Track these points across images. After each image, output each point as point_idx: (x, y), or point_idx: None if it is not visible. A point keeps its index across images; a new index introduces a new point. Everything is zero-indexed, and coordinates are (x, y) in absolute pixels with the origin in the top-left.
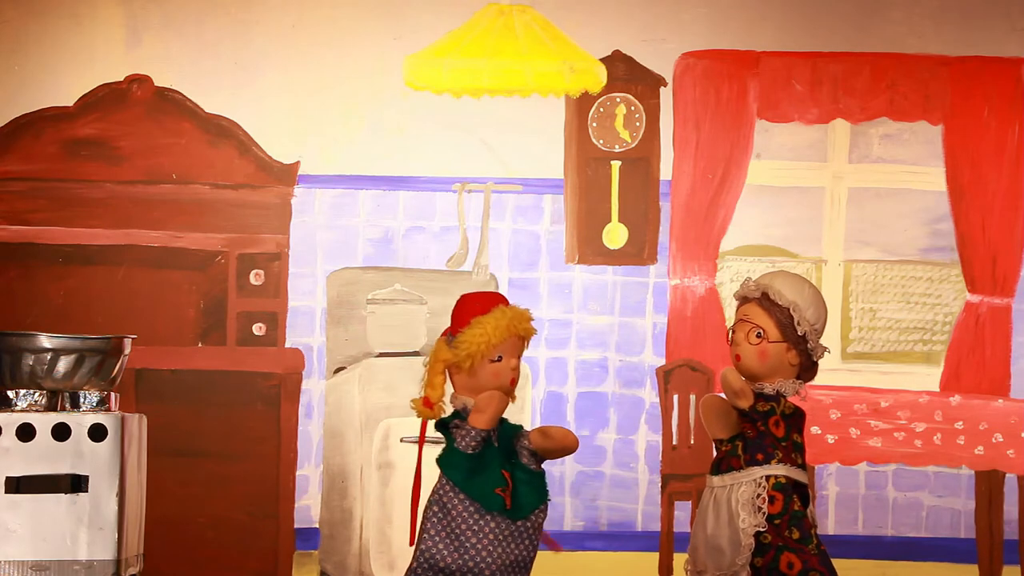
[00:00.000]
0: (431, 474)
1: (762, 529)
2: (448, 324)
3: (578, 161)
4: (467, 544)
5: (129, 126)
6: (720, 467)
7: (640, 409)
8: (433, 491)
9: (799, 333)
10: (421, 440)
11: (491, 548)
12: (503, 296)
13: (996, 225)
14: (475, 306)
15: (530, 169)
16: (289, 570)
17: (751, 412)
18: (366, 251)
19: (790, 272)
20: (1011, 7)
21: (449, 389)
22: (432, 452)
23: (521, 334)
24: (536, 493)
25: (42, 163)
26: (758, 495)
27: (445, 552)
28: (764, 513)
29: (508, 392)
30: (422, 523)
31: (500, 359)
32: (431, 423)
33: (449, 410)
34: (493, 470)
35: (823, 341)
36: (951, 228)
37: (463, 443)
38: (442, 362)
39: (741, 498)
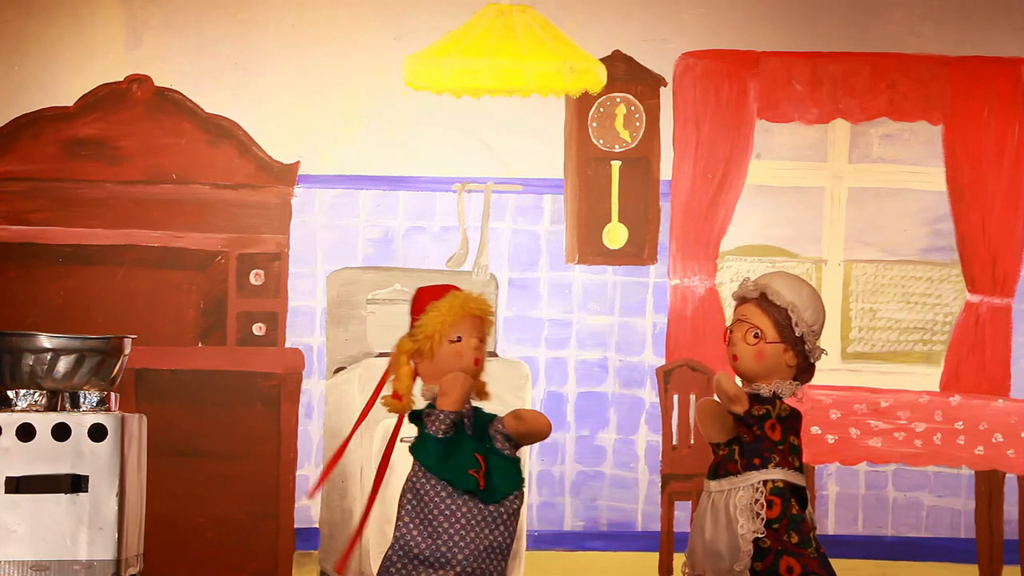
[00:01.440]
0: (402, 468)
1: (760, 535)
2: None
3: (578, 161)
4: (439, 529)
5: (129, 126)
6: (718, 472)
7: (640, 409)
8: (407, 479)
9: (797, 334)
10: (394, 436)
11: (463, 532)
12: (456, 286)
13: (996, 225)
14: (430, 295)
15: (530, 169)
16: (289, 570)
17: (746, 417)
18: (366, 251)
19: (789, 273)
20: (1011, 7)
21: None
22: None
23: (476, 314)
24: (510, 479)
25: (42, 163)
26: (756, 500)
27: (419, 538)
28: (763, 519)
29: (474, 374)
30: (397, 511)
31: (459, 339)
32: (406, 417)
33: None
34: (465, 453)
35: (821, 343)
36: (951, 228)
37: (434, 428)
38: (405, 353)
39: (739, 503)
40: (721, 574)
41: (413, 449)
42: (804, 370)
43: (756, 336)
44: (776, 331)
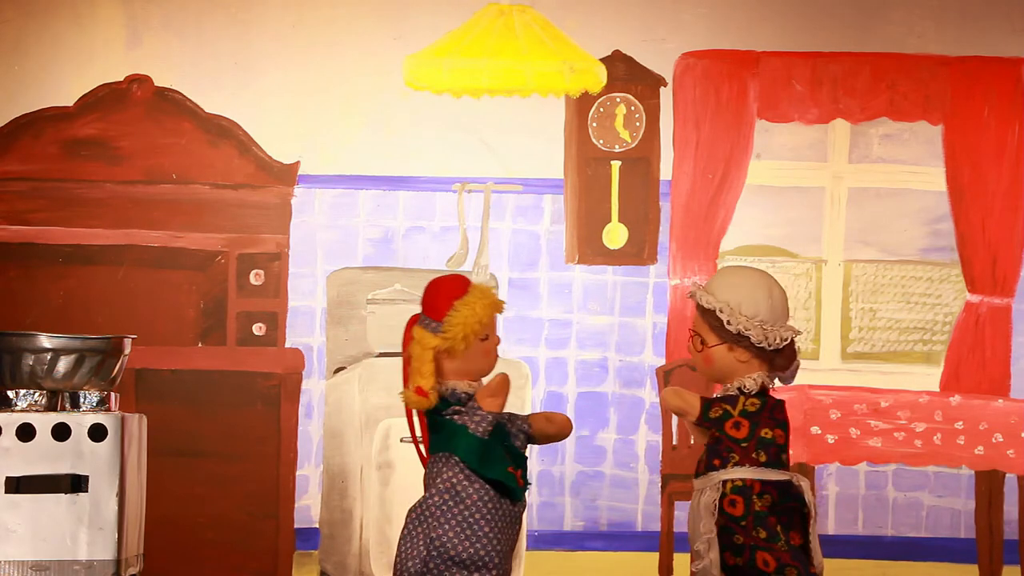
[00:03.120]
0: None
1: (709, 535)
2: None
3: (578, 161)
4: (479, 532)
5: (129, 126)
6: (697, 472)
7: (640, 409)
8: (441, 480)
9: (733, 332)
10: (421, 428)
11: (500, 535)
12: (466, 276)
13: (996, 225)
14: (451, 290)
15: (530, 169)
16: (289, 570)
17: (703, 423)
18: (366, 251)
19: (731, 267)
20: (1011, 7)
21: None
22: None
23: (500, 311)
24: (525, 476)
25: (42, 163)
26: (713, 500)
27: (456, 540)
28: (714, 518)
29: (491, 370)
30: (426, 512)
31: (487, 338)
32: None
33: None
34: (500, 452)
35: (793, 325)
36: (951, 228)
37: (480, 428)
38: (431, 350)
39: (703, 503)
40: (697, 571)
41: (456, 449)
42: (772, 357)
43: (702, 343)
44: (714, 334)
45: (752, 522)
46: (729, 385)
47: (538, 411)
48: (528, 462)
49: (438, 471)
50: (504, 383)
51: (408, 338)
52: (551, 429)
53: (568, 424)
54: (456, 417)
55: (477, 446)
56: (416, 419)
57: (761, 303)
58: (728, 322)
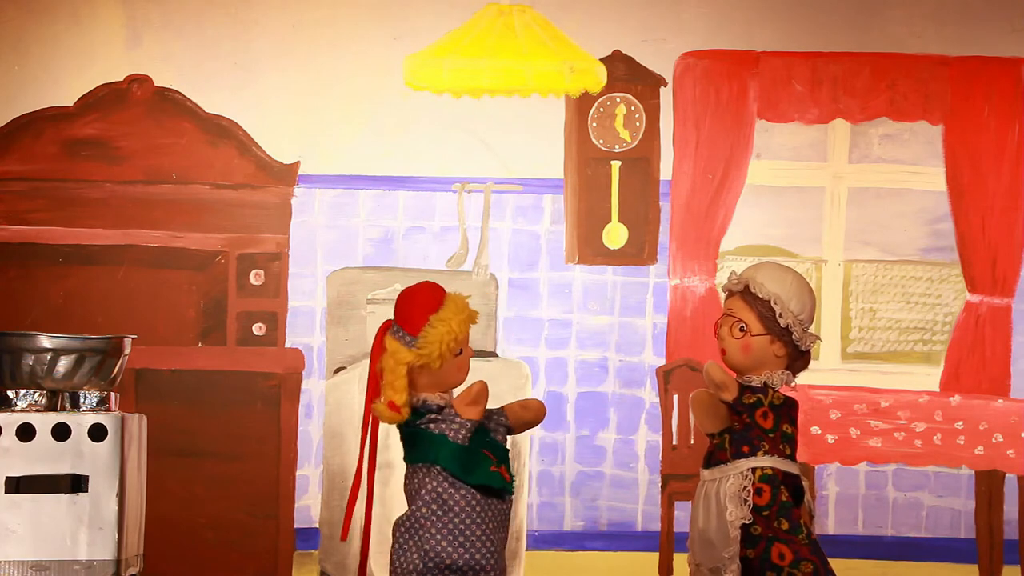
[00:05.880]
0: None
1: (747, 522)
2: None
3: (578, 161)
4: (472, 538)
5: (129, 126)
6: (710, 460)
7: (640, 409)
8: (426, 491)
9: (782, 325)
10: (373, 439)
11: (492, 536)
12: (439, 285)
13: (996, 225)
14: (427, 303)
15: (530, 169)
16: (289, 570)
17: (736, 405)
18: (366, 251)
19: (775, 263)
20: (1011, 7)
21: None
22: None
23: (474, 322)
24: (509, 469)
25: (42, 163)
26: (744, 487)
27: (450, 548)
28: (750, 505)
29: (463, 383)
30: (420, 523)
31: (461, 352)
32: (379, 425)
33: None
34: (481, 455)
35: (814, 330)
36: (951, 228)
37: (459, 436)
38: (405, 364)
39: (729, 491)
40: (714, 562)
41: (438, 459)
42: (796, 358)
43: (742, 330)
44: (761, 324)
45: (776, 512)
46: (754, 377)
47: (511, 402)
48: (510, 455)
49: (420, 482)
50: (483, 391)
51: (379, 348)
52: (527, 416)
53: (542, 408)
54: (432, 426)
55: (459, 454)
56: (371, 428)
57: (807, 303)
58: (780, 315)
